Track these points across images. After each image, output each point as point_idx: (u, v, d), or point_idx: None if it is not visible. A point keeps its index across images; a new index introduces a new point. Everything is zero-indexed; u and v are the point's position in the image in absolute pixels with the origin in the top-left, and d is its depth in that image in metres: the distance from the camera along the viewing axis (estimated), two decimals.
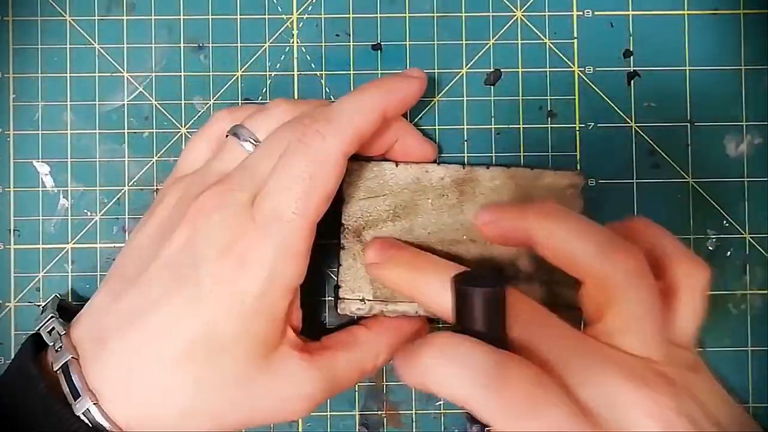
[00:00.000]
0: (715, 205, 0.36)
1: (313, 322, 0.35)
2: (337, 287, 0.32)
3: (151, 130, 0.36)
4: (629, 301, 0.25)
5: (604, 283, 0.25)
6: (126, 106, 0.35)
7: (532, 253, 0.32)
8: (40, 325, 0.30)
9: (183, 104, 0.36)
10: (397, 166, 0.32)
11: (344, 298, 0.32)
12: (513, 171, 0.32)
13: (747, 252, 0.36)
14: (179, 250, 0.28)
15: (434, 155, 0.34)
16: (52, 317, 0.30)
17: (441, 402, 0.36)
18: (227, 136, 0.31)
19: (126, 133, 0.35)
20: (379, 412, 0.36)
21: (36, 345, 0.30)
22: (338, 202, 0.32)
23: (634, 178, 0.36)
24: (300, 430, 0.35)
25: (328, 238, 0.36)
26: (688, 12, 0.36)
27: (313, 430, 0.36)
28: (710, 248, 0.36)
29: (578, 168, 0.35)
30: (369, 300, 0.32)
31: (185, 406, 0.28)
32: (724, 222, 0.36)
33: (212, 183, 0.29)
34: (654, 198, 0.36)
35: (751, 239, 0.36)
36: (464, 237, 0.32)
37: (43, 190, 0.35)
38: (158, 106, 0.35)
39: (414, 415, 0.36)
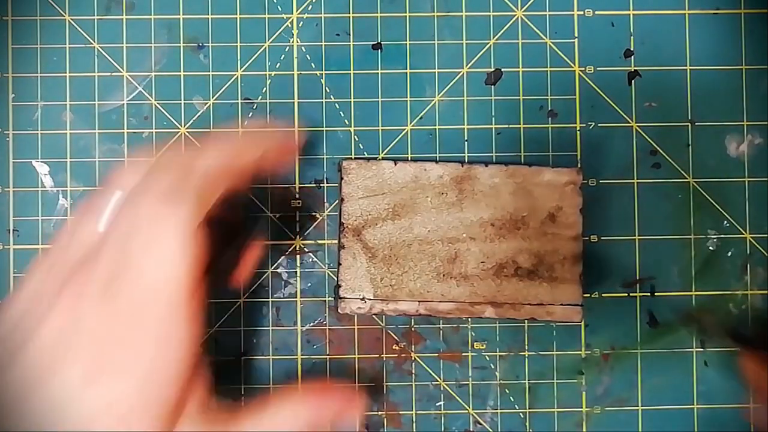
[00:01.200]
0: (716, 205, 0.36)
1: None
2: (337, 287, 0.32)
3: (151, 130, 0.35)
4: None
5: None
6: (125, 105, 0.35)
7: (533, 249, 0.32)
8: None
9: (183, 104, 0.35)
10: (395, 164, 0.32)
11: (344, 298, 0.32)
12: (512, 169, 0.32)
13: (748, 252, 0.36)
14: (53, 336, 0.26)
15: (296, 148, 0.33)
16: None
17: (441, 402, 0.36)
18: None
19: (125, 133, 0.35)
20: (380, 413, 0.36)
21: None
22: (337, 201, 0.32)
23: (635, 177, 0.36)
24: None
25: (328, 237, 0.36)
26: (689, 11, 0.36)
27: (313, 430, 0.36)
28: (711, 248, 0.36)
29: (578, 166, 0.35)
30: (369, 299, 0.32)
31: None
32: (725, 222, 0.36)
33: (75, 258, 0.27)
34: (654, 198, 0.36)
35: (751, 239, 0.36)
36: (464, 235, 0.32)
37: (43, 190, 0.35)
38: (158, 105, 0.35)
39: (414, 416, 0.36)
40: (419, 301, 0.32)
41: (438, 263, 0.32)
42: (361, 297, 0.32)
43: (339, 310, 0.32)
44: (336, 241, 0.35)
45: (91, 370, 0.26)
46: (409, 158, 0.35)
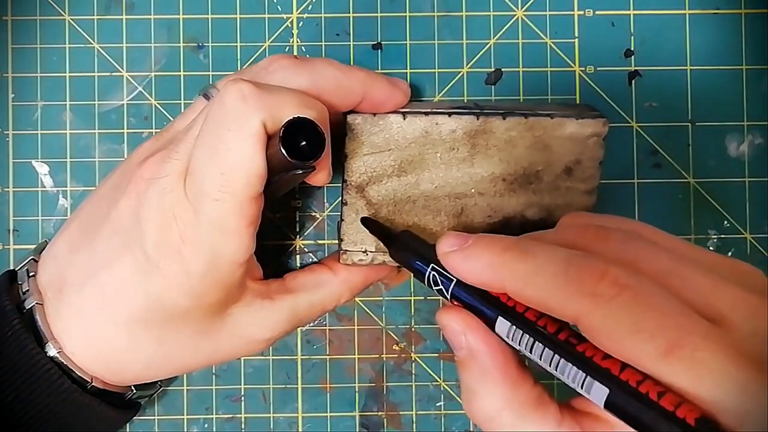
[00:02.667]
0: (716, 205, 0.36)
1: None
2: (340, 240, 0.32)
3: (151, 130, 0.35)
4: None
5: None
6: (125, 105, 0.35)
7: (544, 203, 0.31)
8: (21, 265, 0.31)
9: (182, 104, 0.35)
10: (404, 118, 0.31)
11: (347, 251, 0.32)
12: (532, 121, 0.31)
13: (748, 252, 0.36)
14: (126, 217, 0.28)
15: (406, 100, 0.31)
16: (32, 259, 0.31)
17: (441, 403, 0.36)
18: (199, 95, 0.31)
19: (125, 133, 0.35)
20: (379, 413, 0.36)
21: (11, 280, 0.31)
22: (339, 156, 0.31)
23: (635, 178, 0.36)
24: (300, 430, 0.35)
25: (328, 237, 0.36)
26: (690, 11, 0.36)
27: (313, 430, 0.35)
28: (711, 248, 0.36)
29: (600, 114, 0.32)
30: (371, 251, 0.32)
31: (148, 360, 0.29)
32: (725, 222, 0.36)
33: (161, 147, 0.29)
34: (655, 198, 0.36)
35: (752, 239, 0.36)
36: (472, 190, 0.31)
37: (42, 190, 0.35)
38: (158, 105, 0.35)
39: (414, 416, 0.36)
40: None
41: (443, 218, 0.31)
42: (363, 250, 0.32)
43: (341, 261, 0.32)
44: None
45: (152, 256, 0.27)
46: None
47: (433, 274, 0.26)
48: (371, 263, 0.32)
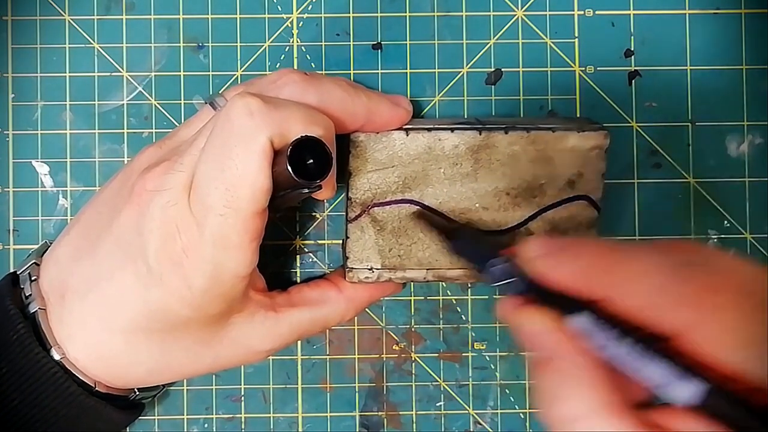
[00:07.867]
0: (716, 205, 0.36)
1: None
2: (345, 258, 0.32)
3: (151, 130, 0.35)
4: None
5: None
6: (125, 105, 0.35)
7: (548, 217, 0.31)
8: (23, 268, 0.31)
9: (183, 104, 0.35)
10: (407, 135, 0.31)
11: (353, 268, 0.32)
12: (534, 135, 0.31)
13: (748, 252, 0.36)
14: (128, 228, 0.28)
15: (409, 116, 0.31)
16: (34, 263, 0.31)
17: (441, 403, 0.36)
18: (204, 103, 0.31)
19: (125, 133, 0.35)
20: (380, 413, 0.36)
21: (14, 283, 0.31)
22: (343, 174, 0.32)
23: (635, 177, 0.36)
24: (300, 430, 0.35)
25: (328, 237, 0.36)
26: (690, 11, 0.36)
27: (313, 430, 0.36)
28: None
29: (601, 126, 0.32)
30: (377, 269, 0.32)
31: (150, 367, 0.29)
32: (725, 222, 0.36)
33: (165, 156, 0.29)
34: (655, 198, 0.36)
35: (752, 239, 0.36)
36: (476, 205, 0.31)
37: (42, 191, 0.35)
38: (158, 105, 0.35)
39: (414, 416, 0.36)
40: (427, 269, 0.32)
41: None
42: (369, 267, 0.32)
43: (347, 279, 0.32)
44: (338, 241, 0.35)
45: (154, 269, 0.27)
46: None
47: (499, 269, 0.26)
48: (377, 280, 0.32)
